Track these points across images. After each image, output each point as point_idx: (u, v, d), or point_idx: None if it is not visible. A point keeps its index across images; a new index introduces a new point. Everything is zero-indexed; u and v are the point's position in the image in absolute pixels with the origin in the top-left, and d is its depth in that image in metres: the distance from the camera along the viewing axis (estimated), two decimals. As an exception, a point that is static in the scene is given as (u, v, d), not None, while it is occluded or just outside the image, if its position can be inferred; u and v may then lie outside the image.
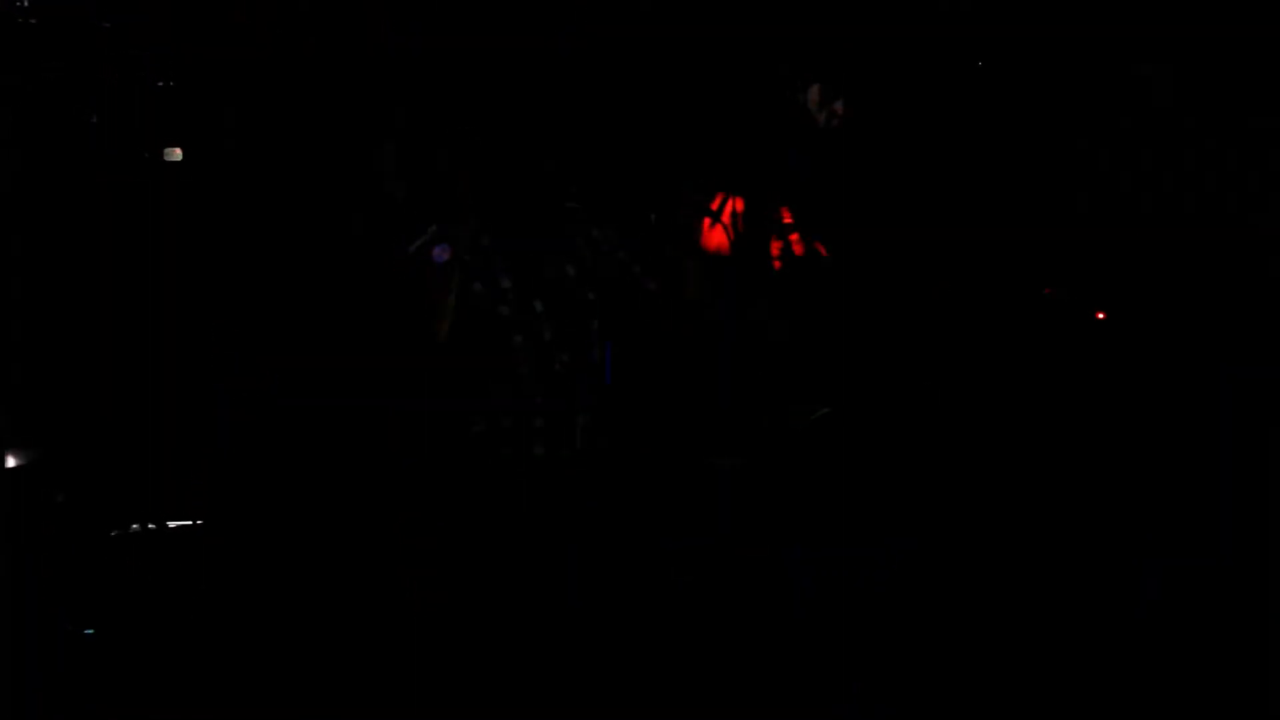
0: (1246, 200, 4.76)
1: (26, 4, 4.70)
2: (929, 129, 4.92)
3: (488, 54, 4.85)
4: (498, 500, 4.62)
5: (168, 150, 4.42)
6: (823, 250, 4.62)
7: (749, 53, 4.90)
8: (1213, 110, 4.83)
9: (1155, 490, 4.63)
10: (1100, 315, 4.69)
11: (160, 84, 4.74)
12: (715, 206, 4.79)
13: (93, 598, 4.51)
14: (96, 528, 4.60)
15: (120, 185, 4.71)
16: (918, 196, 4.89)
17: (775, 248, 4.71)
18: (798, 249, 4.66)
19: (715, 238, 4.86)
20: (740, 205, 4.76)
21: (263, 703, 4.44)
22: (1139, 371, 4.73)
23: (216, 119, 4.81)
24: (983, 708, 4.49)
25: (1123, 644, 4.50)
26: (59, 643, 4.44)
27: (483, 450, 4.51)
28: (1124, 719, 4.44)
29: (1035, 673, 4.50)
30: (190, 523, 4.64)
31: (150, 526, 4.62)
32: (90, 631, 4.47)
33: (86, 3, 4.72)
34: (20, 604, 4.42)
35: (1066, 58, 4.88)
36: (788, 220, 4.59)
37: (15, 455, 4.48)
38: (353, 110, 4.82)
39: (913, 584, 4.59)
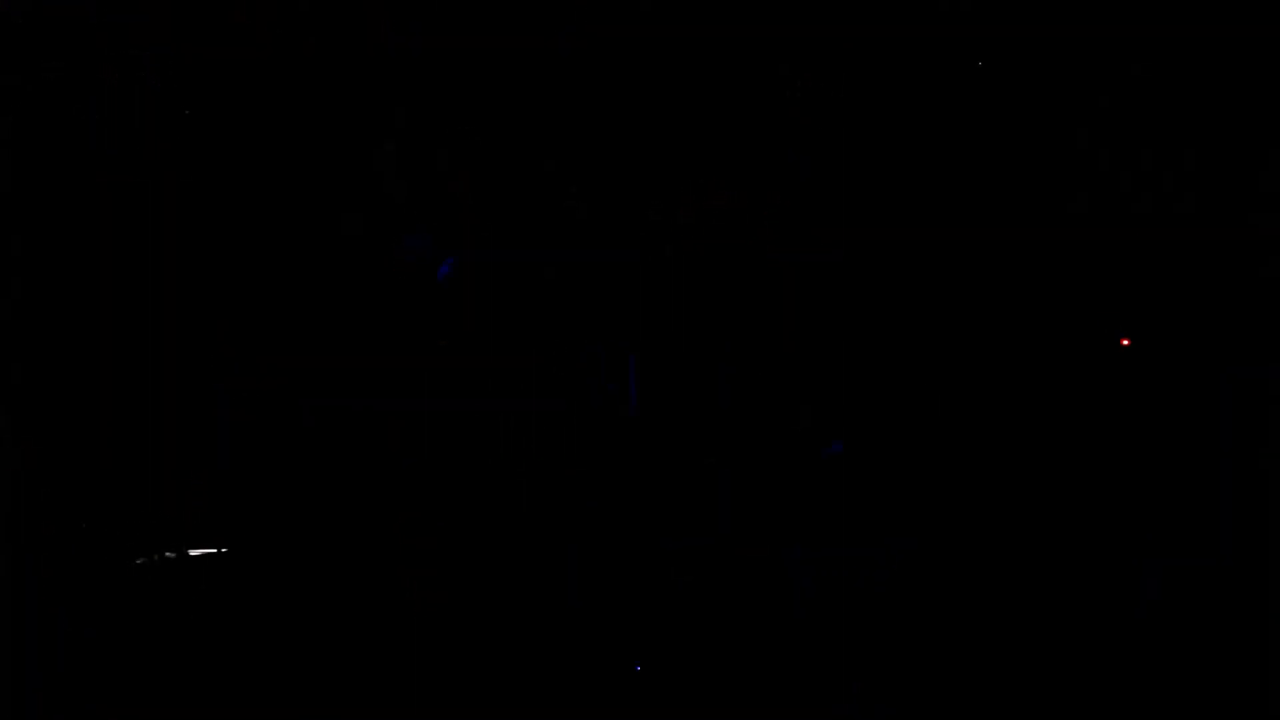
0: (1246, 200, 4.76)
1: (27, 4, 4.71)
2: (929, 129, 4.92)
3: (488, 54, 4.85)
4: (498, 500, 4.62)
5: None
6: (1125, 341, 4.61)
7: (749, 53, 4.90)
8: (1212, 109, 4.83)
9: (1155, 490, 4.63)
10: (1125, 341, 4.70)
11: (160, 84, 4.74)
12: None
13: (94, 598, 4.51)
14: (97, 528, 4.59)
15: (120, 185, 4.71)
16: (918, 196, 4.89)
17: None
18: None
19: None
20: None
21: (263, 703, 4.44)
22: (1139, 371, 4.73)
23: (216, 119, 4.81)
24: (982, 708, 4.49)
25: (1123, 644, 4.50)
26: (59, 643, 4.44)
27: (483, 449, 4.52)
28: (1124, 719, 4.45)
29: (1035, 672, 4.50)
30: (190, 523, 4.64)
31: (152, 523, 4.62)
32: (90, 631, 4.47)
33: (86, 3, 4.72)
34: (20, 604, 4.42)
35: (1065, 57, 4.88)
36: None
37: None
38: (353, 110, 4.82)
39: (913, 584, 4.59)
